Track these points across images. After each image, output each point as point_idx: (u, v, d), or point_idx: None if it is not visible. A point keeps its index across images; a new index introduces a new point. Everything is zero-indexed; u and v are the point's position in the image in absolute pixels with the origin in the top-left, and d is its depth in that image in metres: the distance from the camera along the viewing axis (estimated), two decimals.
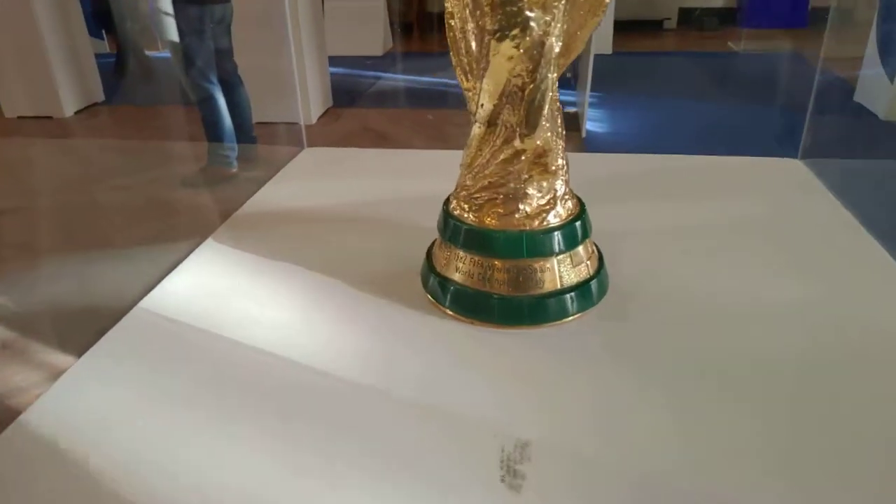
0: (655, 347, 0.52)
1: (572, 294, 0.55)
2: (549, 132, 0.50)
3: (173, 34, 2.15)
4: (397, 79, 4.08)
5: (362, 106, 3.49)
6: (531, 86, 0.46)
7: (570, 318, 0.55)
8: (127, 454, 0.43)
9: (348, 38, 4.15)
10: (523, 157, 0.50)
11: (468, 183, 0.55)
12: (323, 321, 0.57)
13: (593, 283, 0.56)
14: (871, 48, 2.83)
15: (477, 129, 0.51)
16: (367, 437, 0.44)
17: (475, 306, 0.55)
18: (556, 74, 0.47)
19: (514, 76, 0.46)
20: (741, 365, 0.50)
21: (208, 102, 2.16)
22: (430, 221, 0.61)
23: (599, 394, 0.47)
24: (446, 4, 0.51)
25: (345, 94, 3.49)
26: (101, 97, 3.14)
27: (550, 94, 0.47)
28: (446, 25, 0.51)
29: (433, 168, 0.90)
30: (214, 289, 0.62)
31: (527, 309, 0.54)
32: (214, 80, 2.17)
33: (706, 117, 3.02)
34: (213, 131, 2.19)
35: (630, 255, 0.64)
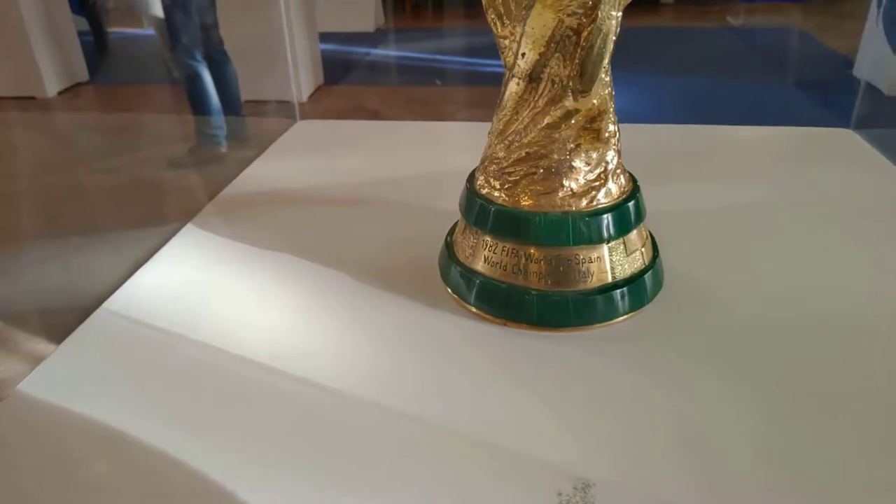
0: (737, 355, 0.43)
1: (624, 290, 0.45)
2: (608, 87, 0.40)
3: (157, 10, 2.09)
4: (389, 55, 3.97)
5: (354, 83, 3.39)
6: (590, 27, 0.36)
7: (620, 318, 0.46)
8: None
9: (339, 14, 4.03)
10: (573, 121, 0.41)
11: (500, 154, 0.45)
12: (322, 323, 0.47)
13: (647, 277, 0.47)
14: (871, 22, 2.80)
15: (514, 87, 0.41)
16: (377, 474, 0.34)
17: (507, 304, 0.46)
18: (619, 13, 0.37)
19: (568, 15, 0.36)
20: (848, 377, 0.41)
21: (195, 80, 2.11)
22: (448, 202, 0.51)
23: (675, 417, 0.38)
24: None
25: (336, 72, 3.39)
26: (85, 76, 3.01)
27: (614, 38, 0.38)
28: None
29: (446, 140, 0.81)
30: (192, 283, 0.53)
31: (572, 307, 0.45)
32: (200, 57, 2.12)
33: (708, 93, 2.92)
34: (200, 110, 2.13)
35: (680, 241, 0.55)
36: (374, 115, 2.93)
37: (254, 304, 0.49)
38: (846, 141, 0.76)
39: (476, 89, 3.09)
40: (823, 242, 0.56)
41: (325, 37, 3.47)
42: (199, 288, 0.52)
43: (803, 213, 0.60)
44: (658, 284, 0.48)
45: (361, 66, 3.69)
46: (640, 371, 0.42)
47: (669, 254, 0.51)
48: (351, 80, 3.44)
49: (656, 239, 0.50)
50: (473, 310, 0.47)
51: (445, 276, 0.50)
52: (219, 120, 2.15)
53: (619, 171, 0.46)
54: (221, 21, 2.16)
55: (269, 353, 0.44)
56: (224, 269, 0.54)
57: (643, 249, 0.47)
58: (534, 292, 0.45)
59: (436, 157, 0.73)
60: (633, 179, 0.48)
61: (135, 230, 0.67)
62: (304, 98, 3.04)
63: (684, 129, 0.80)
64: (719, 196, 0.63)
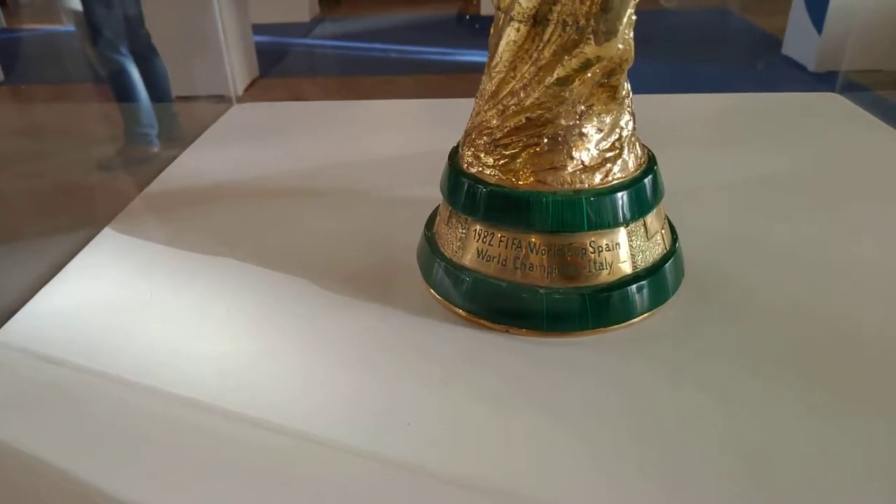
0: (774, 350, 0.36)
1: (644, 282, 0.38)
2: (632, 28, 0.32)
3: (76, 3, 1.95)
4: (326, 45, 3.85)
5: (291, 75, 3.26)
6: None
7: (640, 317, 0.38)
8: None
9: (273, 5, 3.90)
10: (590, 75, 0.32)
11: (492, 123, 0.37)
12: (277, 344, 0.38)
13: (669, 266, 0.39)
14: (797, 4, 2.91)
15: (513, 33, 0.33)
16: None
17: (508, 307, 0.37)
18: None
19: None
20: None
21: (121, 76, 1.99)
22: (421, 187, 0.43)
23: (728, 432, 0.30)
24: None
25: (272, 63, 3.26)
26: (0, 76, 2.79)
27: None
28: None
29: (407, 119, 0.72)
30: (110, 301, 0.42)
31: (590, 306, 0.36)
32: (126, 51, 1.99)
33: (650, 73, 2.91)
34: (128, 108, 2.00)
35: (694, 222, 0.47)
36: None
37: (189, 326, 0.40)
38: (834, 104, 0.71)
39: (418, 77, 3.00)
40: (838, 213, 0.50)
41: (259, 28, 3.33)
42: (119, 307, 0.41)
43: (811, 182, 0.54)
44: (680, 273, 0.41)
45: (298, 56, 3.57)
46: (678, 380, 0.34)
47: (682, 235, 0.43)
48: (288, 72, 3.31)
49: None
50: (465, 315, 0.39)
51: (428, 276, 0.41)
52: (149, 118, 2.03)
53: (634, 138, 0.38)
54: (148, 14, 2.03)
55: (208, 388, 0.34)
56: (151, 281, 0.44)
57: (663, 232, 0.40)
58: (541, 291, 0.36)
59: (398, 137, 0.64)
60: (647, 150, 0.40)
61: (49, 238, 0.56)
62: (240, 91, 2.90)
63: (671, 98, 0.73)
64: (721, 169, 0.57)
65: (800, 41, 2.87)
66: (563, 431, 0.31)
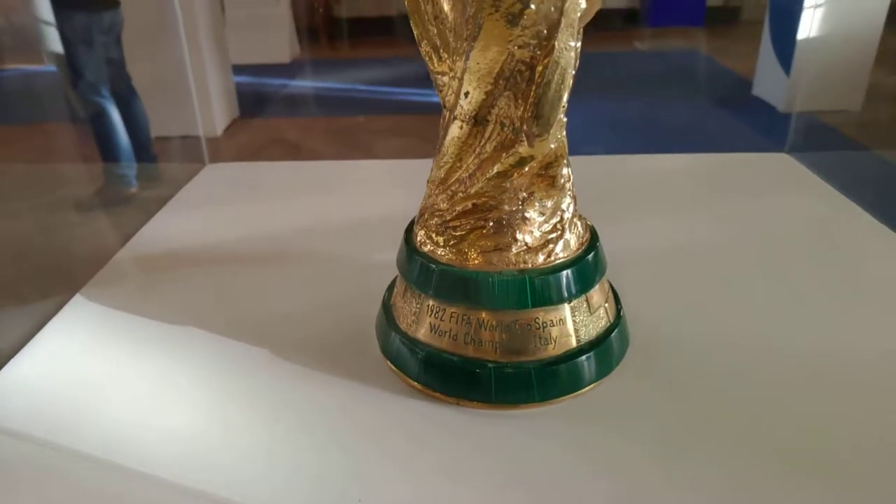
0: (721, 416, 0.38)
1: (590, 354, 0.40)
2: (564, 128, 0.34)
3: (57, 45, 1.97)
4: (307, 86, 3.90)
5: (271, 116, 3.29)
6: (545, 61, 0.31)
7: (588, 387, 0.40)
8: None
9: (253, 46, 3.93)
10: (527, 169, 0.35)
11: (442, 206, 0.39)
12: (240, 417, 0.39)
13: (614, 336, 0.41)
14: (766, 43, 3.00)
15: (457, 130, 0.35)
16: None
17: (460, 380, 0.39)
18: (579, 43, 0.32)
19: (519, 47, 0.31)
20: (844, 441, 0.36)
21: (102, 118, 2.01)
22: (383, 253, 0.45)
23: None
24: None
25: (252, 104, 3.29)
26: None
27: (573, 72, 0.32)
28: None
29: (374, 181, 0.74)
30: (75, 375, 0.43)
31: (535, 380, 0.38)
32: (107, 93, 2.02)
33: (624, 116, 2.98)
34: (108, 149, 2.03)
35: (638, 287, 0.50)
36: (293, 148, 2.84)
37: (153, 398, 0.41)
38: (784, 165, 0.74)
39: (396, 118, 3.05)
40: (783, 279, 0.52)
41: (239, 69, 3.37)
42: (86, 379, 0.43)
43: (755, 245, 0.57)
44: (625, 343, 0.43)
45: (278, 97, 3.60)
46: (620, 452, 0.36)
47: (628, 304, 0.46)
48: (268, 113, 3.34)
49: (613, 285, 0.45)
50: (420, 387, 0.40)
51: (385, 347, 0.43)
52: (128, 158, 2.04)
53: (575, 218, 0.41)
54: (127, 55, 2.06)
55: (170, 466, 0.36)
56: (118, 350, 0.45)
57: (606, 306, 0.42)
58: (490, 365, 0.38)
59: (364, 201, 0.67)
60: (590, 227, 0.43)
61: (23, 306, 0.56)
62: (219, 132, 2.92)
63: (620, 160, 0.76)
64: (665, 232, 0.59)
65: (769, 82, 2.96)
66: (513, 501, 0.33)
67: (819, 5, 2.47)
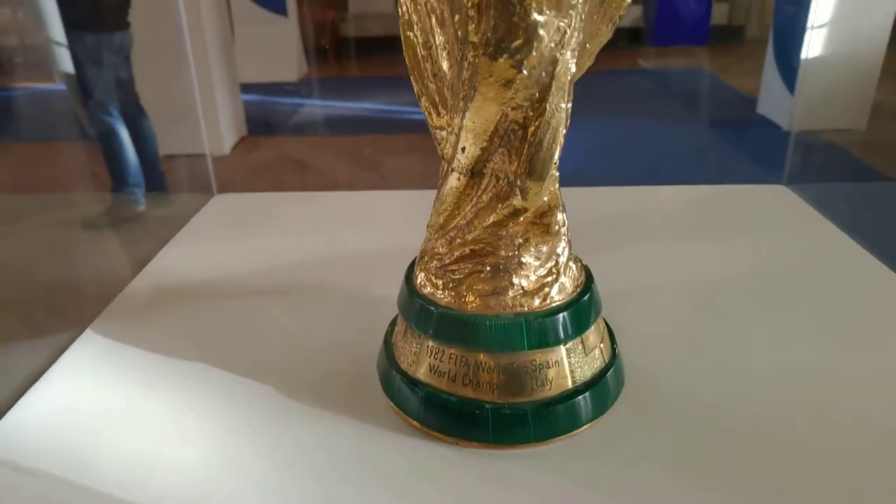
0: (716, 456, 0.39)
1: (586, 395, 0.41)
2: (557, 182, 0.36)
3: (68, 65, 1.99)
4: (315, 105, 3.93)
5: (280, 134, 3.32)
6: (537, 121, 0.32)
7: (584, 426, 0.41)
8: None
9: (262, 65, 3.98)
10: (521, 219, 0.36)
11: (441, 250, 0.40)
12: (245, 455, 0.40)
13: (609, 376, 0.42)
14: (770, 62, 3.00)
15: (455, 181, 0.36)
16: None
17: (458, 420, 0.40)
18: (569, 104, 0.34)
19: (513, 108, 0.32)
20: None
21: (111, 137, 2.03)
22: (387, 288, 0.46)
23: None
24: (400, 10, 0.36)
25: (261, 123, 3.32)
26: None
27: (564, 130, 0.34)
28: (403, 38, 0.37)
29: (381, 213, 0.76)
30: (81, 411, 0.45)
31: (532, 421, 0.40)
32: (116, 113, 2.04)
33: (629, 134, 3.00)
34: (116, 168, 2.05)
35: (632, 323, 0.51)
36: (300, 166, 2.86)
37: (161, 436, 0.42)
38: (782, 198, 0.75)
39: (404, 137, 3.07)
40: (780, 316, 0.53)
41: (247, 87, 3.41)
42: (96, 416, 0.44)
43: (750, 281, 0.58)
44: (620, 381, 0.44)
45: (286, 115, 3.64)
46: (615, 493, 0.37)
47: (624, 340, 0.47)
48: (276, 131, 3.37)
49: (609, 322, 0.46)
50: (419, 426, 0.42)
51: (386, 385, 0.44)
52: (136, 177, 2.06)
53: (570, 262, 0.42)
54: (136, 75, 2.08)
55: (183, 502, 0.37)
56: (127, 388, 0.47)
57: (602, 346, 0.43)
58: (487, 406, 0.40)
59: (376, 231, 0.68)
60: (584, 268, 0.44)
61: (34, 340, 0.57)
62: (227, 150, 2.95)
63: (618, 191, 0.77)
64: (663, 267, 0.60)
65: (773, 101, 2.96)
66: None
67: (822, 24, 2.48)
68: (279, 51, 4.17)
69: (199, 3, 2.70)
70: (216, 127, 2.82)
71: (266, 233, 0.70)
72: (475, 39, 0.30)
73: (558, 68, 0.31)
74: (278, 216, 0.75)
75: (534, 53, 0.30)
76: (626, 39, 5.01)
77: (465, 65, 0.31)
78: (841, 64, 2.49)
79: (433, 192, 0.40)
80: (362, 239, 0.67)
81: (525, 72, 0.30)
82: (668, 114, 3.36)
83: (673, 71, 4.53)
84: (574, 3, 0.29)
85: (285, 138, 3.28)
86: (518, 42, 0.29)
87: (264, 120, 3.43)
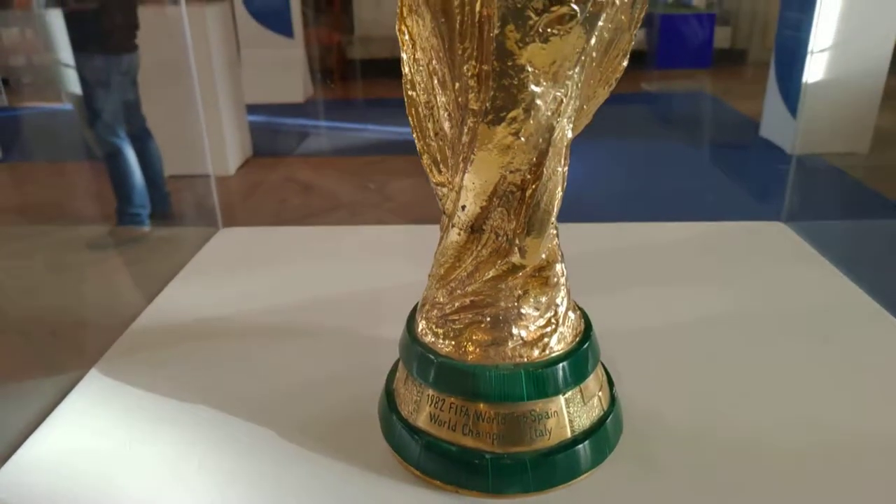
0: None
1: (585, 444, 0.41)
2: (555, 239, 0.36)
3: (75, 86, 2.02)
4: (320, 126, 3.96)
5: (285, 155, 3.35)
6: (535, 184, 0.33)
7: (584, 475, 0.41)
8: None
9: (268, 86, 4.02)
10: (520, 274, 0.37)
11: (441, 300, 0.41)
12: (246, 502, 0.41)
13: (609, 423, 0.43)
14: (772, 85, 3.01)
15: (455, 236, 0.37)
16: None
17: (458, 469, 0.41)
18: (566, 167, 0.34)
19: (511, 172, 0.33)
20: None
21: (117, 158, 2.06)
22: (392, 327, 0.47)
23: None
24: (403, 69, 0.37)
25: (266, 144, 3.34)
26: None
27: (561, 193, 0.34)
28: (405, 96, 0.38)
29: (386, 248, 0.76)
30: (84, 453, 0.45)
31: (531, 470, 0.40)
32: (123, 134, 2.07)
33: (631, 158, 3.01)
34: (122, 188, 2.07)
35: (630, 367, 0.51)
36: (306, 188, 2.88)
37: (163, 481, 0.43)
38: (779, 235, 0.76)
39: (409, 158, 3.08)
40: (771, 357, 0.54)
41: (253, 108, 3.44)
42: (99, 459, 0.44)
43: (749, 323, 0.58)
44: (619, 429, 0.44)
45: (291, 137, 3.66)
46: None
47: (622, 383, 0.47)
48: (281, 152, 3.40)
49: (607, 364, 0.47)
50: (419, 474, 0.42)
51: (386, 431, 0.45)
52: (142, 198, 2.08)
53: (569, 311, 0.42)
54: (142, 96, 2.11)
55: None
56: (130, 430, 0.47)
57: (600, 394, 0.43)
58: (487, 455, 0.40)
59: (381, 267, 0.69)
60: (583, 316, 0.45)
61: (39, 380, 0.58)
62: (232, 171, 2.97)
63: (617, 228, 0.78)
64: (662, 308, 0.61)
65: (776, 124, 2.97)
66: None
67: (824, 48, 2.50)
68: (285, 72, 4.21)
69: (206, 25, 2.73)
70: (222, 148, 2.84)
71: (271, 270, 0.71)
72: (475, 107, 0.31)
73: (555, 135, 0.31)
74: (283, 252, 0.76)
75: (531, 122, 0.31)
76: (629, 62, 5.04)
77: (465, 129, 0.32)
78: (843, 87, 2.50)
79: (436, 227, 0.41)
80: (367, 275, 0.67)
81: (523, 139, 0.31)
82: (670, 137, 3.38)
83: (676, 94, 4.56)
84: (570, 73, 0.30)
85: (291, 159, 3.30)
86: (516, 112, 0.30)
87: (270, 141, 3.46)
